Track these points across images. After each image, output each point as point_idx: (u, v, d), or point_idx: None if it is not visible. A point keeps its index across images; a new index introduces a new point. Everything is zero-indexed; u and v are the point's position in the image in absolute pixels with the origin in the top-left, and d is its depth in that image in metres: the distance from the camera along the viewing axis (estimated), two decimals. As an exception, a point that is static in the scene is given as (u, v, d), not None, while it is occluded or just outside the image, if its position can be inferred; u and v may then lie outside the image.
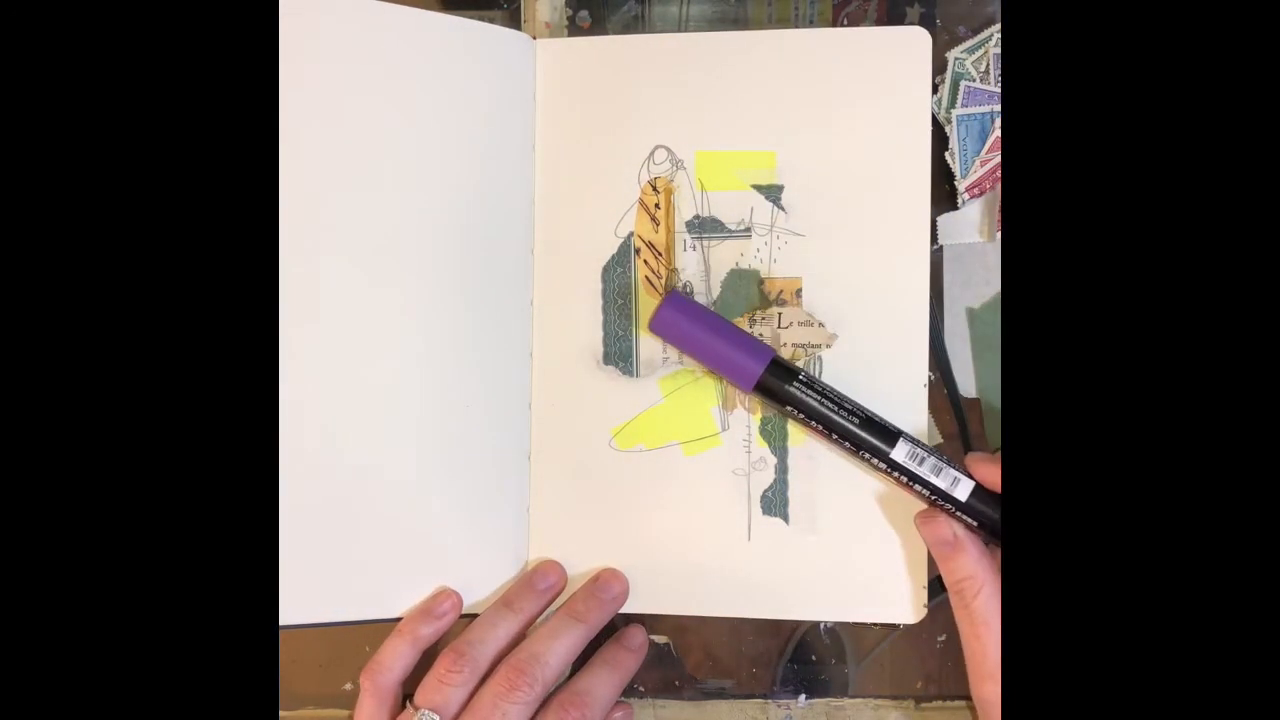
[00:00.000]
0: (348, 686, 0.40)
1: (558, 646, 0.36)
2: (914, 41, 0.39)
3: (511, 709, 0.34)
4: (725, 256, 0.39)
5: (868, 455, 0.36)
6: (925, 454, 0.36)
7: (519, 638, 0.37)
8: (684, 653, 0.40)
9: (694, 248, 0.40)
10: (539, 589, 0.38)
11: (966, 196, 0.39)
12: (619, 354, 0.40)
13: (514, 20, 0.40)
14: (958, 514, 0.35)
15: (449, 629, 0.38)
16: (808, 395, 0.36)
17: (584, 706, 0.35)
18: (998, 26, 0.39)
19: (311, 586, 0.38)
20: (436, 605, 0.38)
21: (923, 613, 0.39)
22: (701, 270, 0.40)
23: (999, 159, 0.38)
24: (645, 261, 0.40)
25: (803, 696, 0.40)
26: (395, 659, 0.36)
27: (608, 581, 0.38)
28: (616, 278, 0.40)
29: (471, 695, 0.35)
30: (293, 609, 0.37)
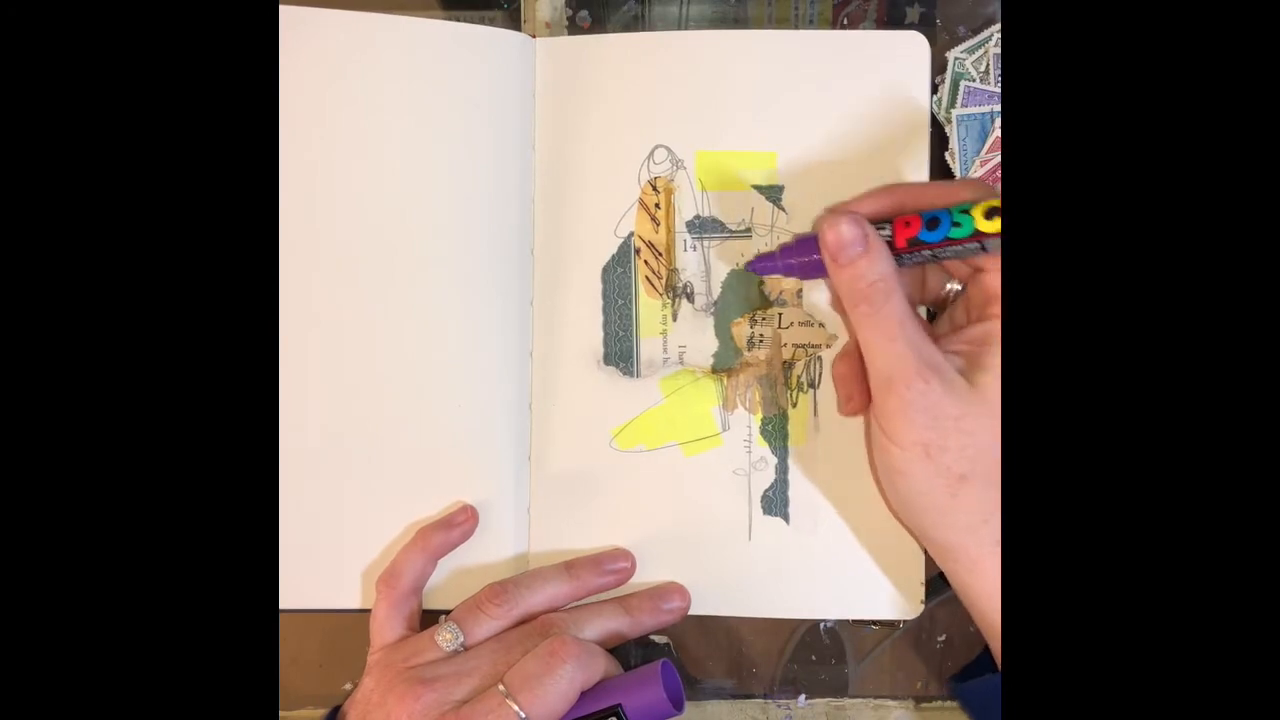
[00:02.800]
0: (347, 686, 0.40)
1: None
2: (912, 46, 0.39)
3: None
4: (726, 257, 0.39)
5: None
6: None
7: (566, 603, 0.38)
8: (684, 653, 0.40)
9: (694, 248, 0.40)
10: (604, 568, 0.38)
11: (966, 197, 0.39)
12: (619, 354, 0.40)
13: (514, 20, 0.40)
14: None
15: (461, 541, 0.38)
16: None
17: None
18: (998, 26, 0.39)
19: (310, 587, 0.39)
20: (453, 516, 0.38)
21: (920, 608, 0.39)
22: (702, 270, 0.40)
23: (999, 159, 0.38)
24: (645, 261, 0.40)
25: (803, 696, 0.40)
26: (407, 566, 0.37)
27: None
28: (617, 278, 0.40)
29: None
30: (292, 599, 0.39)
